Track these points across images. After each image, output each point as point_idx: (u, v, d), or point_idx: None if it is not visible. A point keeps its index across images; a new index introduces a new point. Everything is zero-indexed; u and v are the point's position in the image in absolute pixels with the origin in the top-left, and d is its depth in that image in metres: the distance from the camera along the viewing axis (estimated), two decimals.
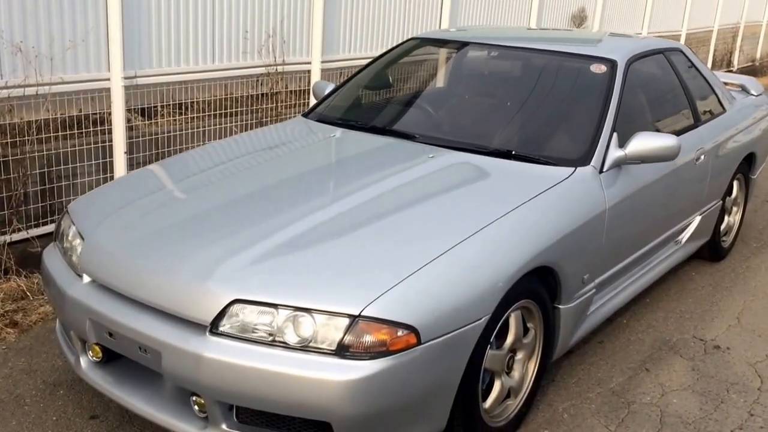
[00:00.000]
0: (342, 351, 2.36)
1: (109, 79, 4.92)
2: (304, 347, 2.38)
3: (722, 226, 4.95)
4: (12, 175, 4.49)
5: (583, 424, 3.21)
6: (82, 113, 4.88)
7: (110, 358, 2.86)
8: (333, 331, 2.37)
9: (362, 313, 2.37)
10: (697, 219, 4.40)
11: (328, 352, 2.36)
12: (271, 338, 2.41)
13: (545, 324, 3.10)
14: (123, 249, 2.77)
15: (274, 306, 2.42)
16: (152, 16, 5.12)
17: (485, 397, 2.88)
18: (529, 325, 3.05)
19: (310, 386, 2.34)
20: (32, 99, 4.52)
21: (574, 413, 3.29)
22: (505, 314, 2.81)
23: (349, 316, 2.37)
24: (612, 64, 3.72)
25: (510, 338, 2.91)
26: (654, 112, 4.02)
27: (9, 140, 4.49)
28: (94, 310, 2.69)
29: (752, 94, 5.24)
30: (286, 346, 2.39)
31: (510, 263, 2.72)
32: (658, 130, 3.87)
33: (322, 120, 3.93)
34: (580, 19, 9.48)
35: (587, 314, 3.45)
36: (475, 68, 4.18)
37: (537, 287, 2.97)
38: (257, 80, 5.92)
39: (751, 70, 13.84)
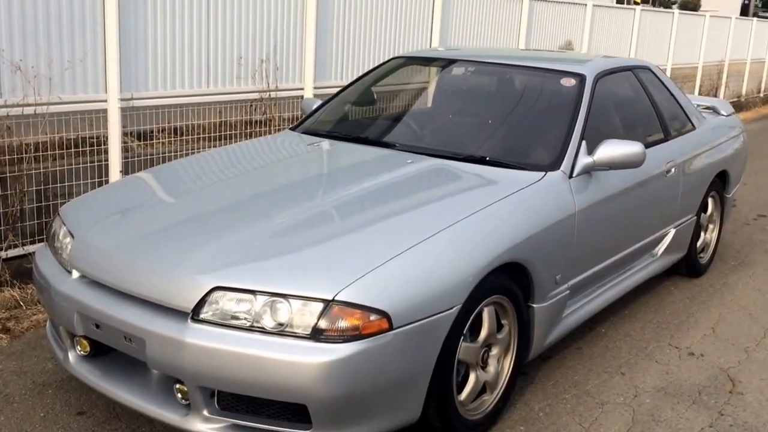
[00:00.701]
0: (316, 335, 2.47)
1: (106, 101, 5.10)
2: (281, 332, 2.50)
3: (698, 243, 5.07)
4: (9, 192, 4.63)
5: (557, 422, 3.30)
6: (79, 134, 5.04)
7: (97, 353, 2.96)
8: (308, 316, 2.49)
9: (335, 298, 2.49)
10: (672, 232, 4.54)
11: (304, 336, 2.48)
12: (249, 324, 2.52)
13: (519, 322, 3.21)
14: (110, 244, 2.90)
15: (252, 293, 2.54)
16: (149, 40, 5.29)
17: (460, 390, 2.98)
18: (503, 321, 3.16)
19: (287, 369, 2.45)
20: (30, 118, 4.68)
21: (550, 412, 3.39)
22: (478, 308, 2.92)
23: (323, 301, 2.49)
24: (581, 78, 3.90)
25: (484, 332, 3.02)
26: (624, 125, 4.19)
27: (7, 158, 4.64)
28: (82, 303, 2.81)
29: (722, 115, 5.41)
30: (263, 330, 2.51)
31: (480, 256, 2.85)
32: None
33: (308, 132, 4.09)
34: (566, 50, 9.74)
35: (562, 317, 3.56)
36: (455, 83, 4.36)
37: (509, 284, 3.09)
38: (251, 105, 6.09)
39: (737, 105, 14.10)
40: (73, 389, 3.32)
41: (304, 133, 4.10)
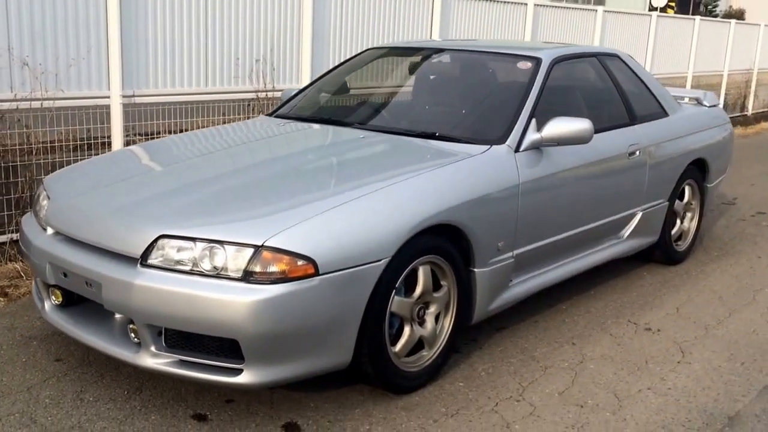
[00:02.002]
0: (247, 277, 2.74)
1: (109, 97, 5.48)
2: (217, 274, 2.77)
3: (674, 230, 5.21)
4: (19, 179, 5.01)
5: (497, 381, 3.51)
6: (85, 128, 5.41)
7: (69, 303, 3.28)
8: (240, 260, 2.76)
9: (264, 244, 2.76)
10: (639, 215, 4.69)
11: (236, 277, 2.75)
12: (190, 267, 2.81)
13: (459, 284, 3.42)
14: (76, 201, 3.24)
15: (193, 240, 2.82)
16: (149, 39, 5.66)
17: (395, 342, 3.21)
18: (442, 282, 3.39)
19: (220, 307, 2.73)
20: (38, 112, 5.06)
21: (492, 372, 3.59)
22: (411, 265, 3.16)
23: (253, 246, 2.76)
24: (537, 61, 4.12)
25: (419, 289, 3.25)
26: (584, 107, 4.38)
27: (17, 148, 5.02)
28: (52, 254, 3.13)
29: (704, 105, 5.56)
30: (202, 273, 2.79)
31: (410, 215, 3.09)
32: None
33: (280, 116, 4.39)
34: None
35: (509, 285, 3.76)
36: (421, 70, 4.61)
37: (446, 246, 3.31)
38: (249, 105, 6.42)
39: (765, 116, 14.04)
40: (55, 341, 3.64)
41: (276, 117, 4.40)
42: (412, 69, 4.64)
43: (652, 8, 22.88)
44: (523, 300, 4.01)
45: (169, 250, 2.84)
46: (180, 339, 2.88)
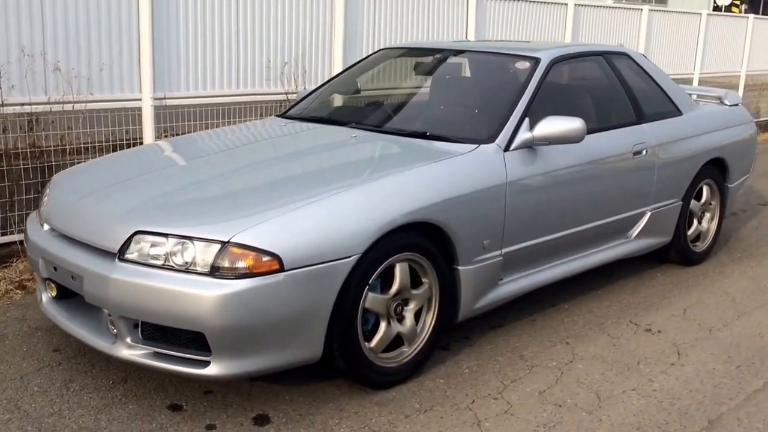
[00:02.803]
0: (214, 271, 2.84)
1: (140, 99, 5.67)
2: (187, 269, 2.87)
3: (691, 231, 5.11)
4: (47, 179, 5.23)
5: (479, 379, 3.52)
6: (117, 130, 5.62)
7: (63, 296, 3.43)
8: (208, 256, 2.86)
9: (230, 240, 2.85)
10: (648, 215, 4.63)
11: (203, 272, 2.85)
12: (163, 262, 2.91)
13: (441, 281, 3.45)
14: (69, 199, 3.38)
15: (166, 236, 2.93)
16: (180, 43, 5.81)
17: (371, 337, 3.26)
18: (423, 279, 3.42)
19: (188, 300, 2.83)
20: (71, 114, 5.28)
21: (476, 370, 3.61)
22: (386, 262, 3.20)
23: (220, 242, 2.85)
24: (535, 61, 4.11)
25: (395, 286, 3.29)
26: (587, 106, 4.35)
27: (52, 149, 5.24)
28: (45, 249, 3.29)
29: (725, 104, 5.43)
30: (173, 268, 2.89)
31: (383, 213, 3.13)
32: (588, 121, 4.19)
33: (287, 117, 4.48)
34: None
35: (498, 283, 3.77)
36: (425, 70, 4.63)
37: (425, 244, 3.34)
38: (279, 106, 6.54)
39: None
40: (56, 332, 3.80)
41: (283, 117, 4.49)
42: (415, 70, 4.68)
43: (716, 8, 22.30)
44: (519, 298, 4.02)
45: (144, 245, 2.96)
46: (155, 331, 2.99)
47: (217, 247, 2.86)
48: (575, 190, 4.05)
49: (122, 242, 2.99)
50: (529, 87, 3.96)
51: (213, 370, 2.91)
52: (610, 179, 4.28)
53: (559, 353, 3.82)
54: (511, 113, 3.83)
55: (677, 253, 5.09)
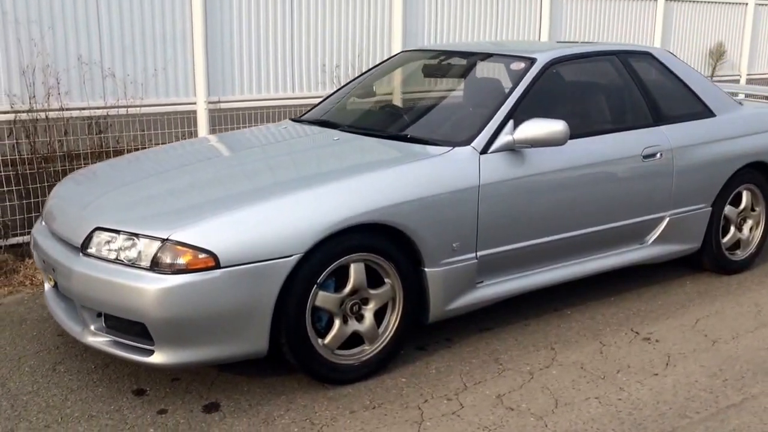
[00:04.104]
0: (154, 267, 3.05)
1: (195, 103, 6.04)
2: (133, 263, 3.10)
3: (726, 238, 4.85)
4: None
5: (443, 380, 3.54)
6: (173, 132, 6.01)
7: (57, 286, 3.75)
8: (149, 251, 3.07)
9: (169, 238, 3.05)
10: (666, 220, 4.46)
11: (145, 267, 3.07)
12: (115, 257, 3.16)
13: (406, 282, 3.50)
14: (60, 197, 3.70)
15: (117, 232, 3.17)
16: (234, 48, 6.14)
17: (325, 334, 3.37)
18: (386, 280, 3.49)
19: (132, 293, 3.05)
20: (128, 118, 5.70)
21: (444, 371, 3.63)
22: (338, 261, 3.30)
23: (161, 239, 3.06)
24: (531, 62, 4.07)
25: (349, 286, 3.38)
26: (587, 108, 4.25)
27: (111, 150, 5.68)
28: (36, 243, 3.63)
29: None
30: (122, 263, 3.13)
31: (330, 213, 3.23)
32: (585, 124, 4.13)
33: (297, 120, 4.66)
34: (718, 54, 9.27)
35: (476, 286, 3.77)
36: (431, 72, 4.66)
37: (383, 245, 3.41)
38: None
39: None
40: None
41: (294, 120, 4.67)
42: (424, 72, 4.71)
43: None
44: (521, 302, 4.09)
45: (101, 240, 3.21)
46: (116, 321, 3.23)
47: (158, 243, 3.06)
48: (566, 194, 3.97)
49: (84, 237, 3.25)
50: (517, 89, 3.93)
51: (157, 358, 3.12)
52: (611, 183, 4.16)
53: (538, 358, 3.77)
54: (493, 115, 3.81)
55: (711, 261, 4.85)
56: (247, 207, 3.19)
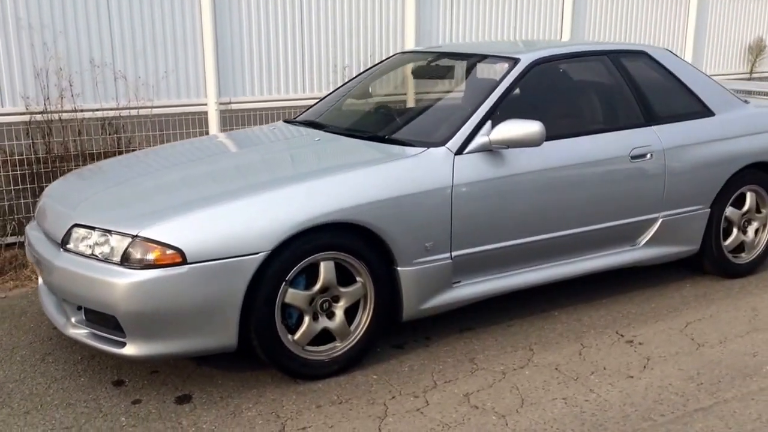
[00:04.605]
0: (124, 262, 3.17)
1: (206, 104, 6.20)
2: (106, 259, 3.23)
3: (728, 241, 4.78)
4: None
5: (414, 378, 3.58)
6: (185, 131, 6.17)
7: None
8: (120, 247, 3.20)
9: (139, 234, 3.17)
10: (659, 222, 4.42)
11: (116, 262, 3.19)
12: (90, 252, 3.29)
13: (377, 281, 3.56)
14: (50, 197, 3.86)
15: (93, 228, 3.31)
16: (244, 50, 6.28)
17: (295, 330, 3.45)
18: (357, 278, 3.55)
19: (104, 287, 3.18)
20: (140, 119, 5.89)
21: (417, 369, 3.68)
22: (307, 259, 3.38)
23: (131, 236, 3.18)
24: (514, 62, 4.08)
25: (319, 284, 3.45)
26: (572, 108, 4.24)
27: (125, 150, 5.87)
28: (28, 240, 3.79)
29: None
30: (97, 258, 3.26)
31: (296, 213, 3.31)
32: (569, 124, 4.12)
33: (291, 122, 4.75)
34: (758, 49, 9.06)
35: (452, 285, 3.80)
36: (418, 74, 4.70)
37: (353, 243, 3.47)
38: None
39: None
40: None
41: (287, 122, 4.76)
42: (414, 73, 4.76)
43: None
44: (509, 303, 4.14)
45: (78, 236, 3.35)
46: (94, 314, 3.36)
47: (129, 240, 3.19)
48: (547, 195, 3.97)
49: (63, 234, 3.40)
50: (497, 90, 3.95)
51: (129, 350, 3.24)
52: (595, 184, 4.13)
53: (514, 359, 3.78)
54: (470, 117, 3.84)
55: (712, 264, 4.79)
56: (216, 206, 3.29)
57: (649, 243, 4.46)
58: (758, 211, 4.90)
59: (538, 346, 3.93)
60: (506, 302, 4.34)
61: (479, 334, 4.06)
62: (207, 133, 6.16)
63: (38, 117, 5.49)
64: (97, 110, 5.69)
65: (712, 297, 4.60)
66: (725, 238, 4.79)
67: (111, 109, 5.73)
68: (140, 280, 3.12)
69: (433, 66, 4.61)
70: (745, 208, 4.83)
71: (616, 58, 4.46)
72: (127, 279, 3.13)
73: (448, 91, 4.43)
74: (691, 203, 4.53)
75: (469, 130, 3.80)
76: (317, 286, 3.46)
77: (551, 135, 3.96)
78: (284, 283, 3.35)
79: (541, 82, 4.15)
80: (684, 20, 8.69)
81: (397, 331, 4.00)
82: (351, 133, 4.14)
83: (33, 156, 5.51)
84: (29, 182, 5.37)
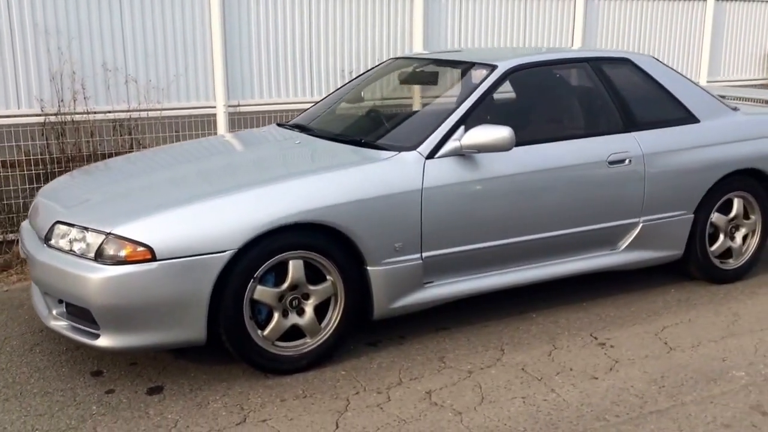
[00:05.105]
0: (98, 257, 3.35)
1: (215, 107, 6.39)
2: (82, 254, 3.41)
3: (714, 246, 4.79)
4: None
5: (381, 375, 3.69)
6: (195, 133, 6.37)
7: None
8: (95, 244, 3.37)
9: (111, 232, 3.34)
10: (639, 226, 4.46)
11: (90, 258, 3.37)
12: (69, 248, 3.47)
13: (347, 280, 3.68)
14: (43, 197, 4.06)
15: (72, 225, 3.49)
16: (252, 54, 6.43)
17: (265, 326, 3.59)
18: (328, 277, 3.68)
19: (78, 281, 3.36)
20: (150, 121, 6.09)
21: (386, 367, 3.78)
22: (275, 258, 3.51)
23: (104, 233, 3.36)
24: (491, 69, 4.17)
25: (288, 281, 3.58)
26: (548, 114, 4.30)
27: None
28: (21, 237, 4.00)
29: None
30: (75, 253, 3.44)
31: (264, 213, 3.45)
32: (544, 130, 4.20)
33: (281, 125, 4.90)
34: None
35: (423, 285, 3.90)
36: (406, 79, 4.81)
37: (322, 243, 3.60)
38: None
39: None
40: None
41: (279, 125, 4.91)
42: (403, 79, 4.86)
43: None
44: (488, 303, 4.24)
45: (60, 233, 3.54)
46: (74, 307, 3.54)
47: (103, 237, 3.36)
48: (519, 198, 4.04)
49: (47, 230, 3.59)
50: (472, 96, 4.04)
51: (102, 342, 3.41)
52: (570, 188, 4.19)
53: (483, 359, 3.86)
54: (443, 122, 3.94)
55: (698, 269, 4.80)
56: (186, 206, 3.44)
57: (629, 247, 4.50)
58: (746, 217, 4.90)
59: (509, 346, 4.01)
60: (485, 303, 4.42)
61: (453, 333, 4.15)
62: (215, 135, 6.34)
63: (52, 118, 5.73)
64: (109, 112, 5.91)
65: (694, 302, 4.62)
66: (711, 244, 4.80)
67: (122, 111, 5.94)
68: (112, 275, 3.29)
69: (419, 72, 4.72)
70: (732, 214, 4.83)
71: (597, 65, 4.51)
72: (100, 274, 3.30)
73: (431, 97, 4.54)
74: (674, 208, 4.56)
75: (441, 135, 3.90)
76: (286, 284, 3.59)
77: (527, 140, 4.04)
78: (252, 280, 3.49)
79: (519, 89, 4.22)
80: (701, 26, 8.64)
81: (372, 329, 4.11)
82: (334, 137, 4.26)
83: (47, 156, 5.74)
84: (43, 181, 5.59)
